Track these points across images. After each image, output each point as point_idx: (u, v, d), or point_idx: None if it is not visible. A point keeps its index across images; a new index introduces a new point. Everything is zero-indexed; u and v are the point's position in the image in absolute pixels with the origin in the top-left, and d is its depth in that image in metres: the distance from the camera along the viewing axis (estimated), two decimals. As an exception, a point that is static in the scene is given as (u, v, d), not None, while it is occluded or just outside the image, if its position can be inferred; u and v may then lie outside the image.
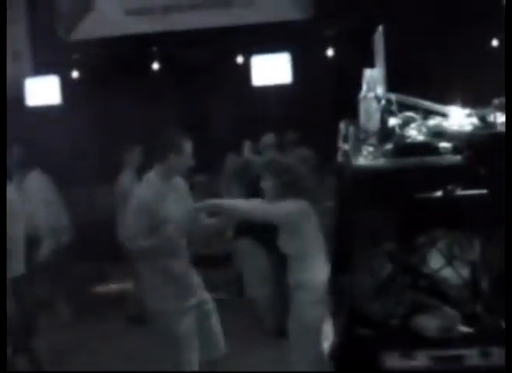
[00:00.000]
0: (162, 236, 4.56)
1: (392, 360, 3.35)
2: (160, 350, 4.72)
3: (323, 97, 10.66)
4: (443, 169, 3.43)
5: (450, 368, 3.35)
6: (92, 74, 10.57)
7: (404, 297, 3.57)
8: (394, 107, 3.68)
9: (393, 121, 3.64)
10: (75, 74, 10.81)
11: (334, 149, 3.95)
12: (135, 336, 6.72)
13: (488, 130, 3.52)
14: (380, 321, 3.50)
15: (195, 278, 4.86)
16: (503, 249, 3.21)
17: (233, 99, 10.65)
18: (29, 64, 10.43)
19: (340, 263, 3.64)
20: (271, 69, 9.95)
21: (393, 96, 3.71)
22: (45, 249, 7.00)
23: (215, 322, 4.86)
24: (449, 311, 3.48)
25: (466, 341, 3.36)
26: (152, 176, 4.76)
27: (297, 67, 9.94)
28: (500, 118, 3.52)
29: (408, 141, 3.55)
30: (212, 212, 4.66)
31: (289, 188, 4.44)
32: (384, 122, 3.60)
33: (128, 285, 7.91)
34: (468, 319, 3.46)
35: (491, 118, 3.56)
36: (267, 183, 4.54)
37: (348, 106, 3.77)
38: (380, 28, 3.77)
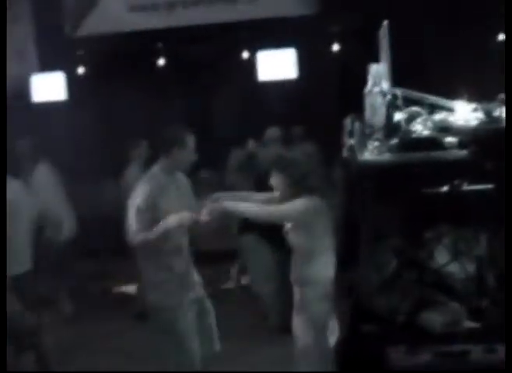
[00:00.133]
0: (161, 225, 4.54)
1: (398, 355, 3.34)
2: (162, 347, 4.73)
3: (328, 92, 10.65)
4: (448, 163, 3.41)
5: (455, 364, 3.34)
6: (97, 70, 10.58)
7: (410, 292, 3.56)
8: (399, 102, 3.66)
9: (398, 116, 3.63)
10: (80, 70, 10.82)
11: (340, 144, 3.94)
12: (137, 333, 6.71)
13: (494, 125, 3.50)
14: (385, 316, 3.49)
15: (195, 275, 4.89)
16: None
17: (238, 94, 10.64)
18: (34, 61, 10.46)
19: (345, 259, 3.63)
20: (277, 65, 9.96)
21: (398, 91, 3.70)
22: (47, 237, 6.94)
23: (211, 319, 4.88)
24: (455, 306, 3.47)
25: (472, 337, 3.36)
26: (155, 170, 4.78)
27: (303, 62, 9.93)
28: (506, 113, 3.51)
29: (414, 135, 3.53)
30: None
31: (299, 183, 4.44)
32: (389, 117, 3.58)
33: (132, 282, 7.92)
34: (474, 314, 3.45)
35: (497, 113, 3.54)
36: (276, 180, 4.53)
37: (354, 101, 3.76)
38: (385, 23, 3.76)
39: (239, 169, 8.14)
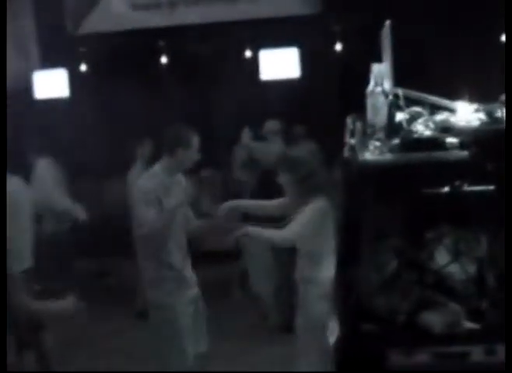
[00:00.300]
0: (165, 211, 4.57)
1: (397, 356, 3.34)
2: (161, 345, 4.72)
3: (330, 92, 10.64)
4: (450, 164, 3.41)
5: (455, 365, 3.34)
6: (99, 67, 10.58)
7: (409, 293, 3.55)
8: (401, 102, 3.66)
9: (400, 116, 3.62)
10: (82, 67, 10.82)
11: (341, 144, 3.94)
12: (137, 332, 6.70)
13: (495, 126, 3.50)
14: (385, 317, 3.49)
15: (193, 274, 4.91)
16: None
17: (240, 93, 10.64)
18: (36, 58, 10.46)
19: (346, 259, 3.63)
20: (280, 63, 9.94)
21: (400, 91, 3.69)
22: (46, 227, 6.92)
23: (203, 319, 4.89)
24: (455, 307, 3.47)
25: (471, 338, 3.35)
26: (156, 168, 4.78)
27: (305, 61, 9.93)
28: (508, 114, 3.51)
29: (415, 136, 3.53)
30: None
31: (305, 181, 4.44)
32: (391, 117, 3.58)
33: (133, 281, 7.90)
34: (474, 315, 3.45)
35: (498, 114, 3.54)
36: (283, 179, 4.54)
37: (356, 101, 3.76)
38: (388, 23, 3.75)
39: (242, 166, 8.13)
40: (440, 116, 3.66)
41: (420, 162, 3.42)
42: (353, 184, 3.62)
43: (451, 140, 3.43)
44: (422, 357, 3.34)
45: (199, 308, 4.90)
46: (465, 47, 9.46)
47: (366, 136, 3.60)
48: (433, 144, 3.44)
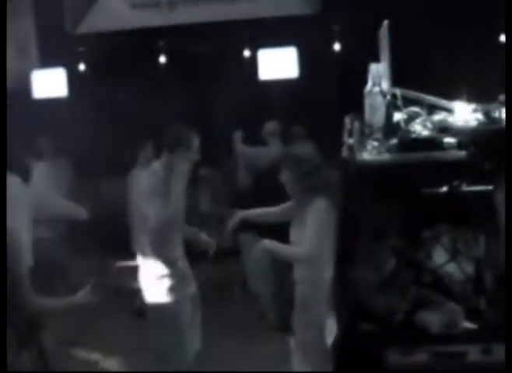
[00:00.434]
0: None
1: (395, 355, 3.34)
2: (162, 343, 4.73)
3: (329, 91, 10.64)
4: (448, 164, 3.42)
5: (452, 364, 3.34)
6: (98, 66, 10.58)
7: (408, 292, 3.56)
8: (399, 102, 3.67)
9: (398, 116, 3.63)
10: (81, 66, 10.81)
11: (339, 144, 3.94)
12: (137, 331, 6.69)
13: (493, 126, 3.50)
14: (383, 316, 3.50)
15: (190, 272, 4.92)
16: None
17: (239, 92, 10.64)
18: (35, 57, 10.45)
19: (344, 258, 3.64)
20: (278, 63, 9.94)
21: (398, 91, 3.70)
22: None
23: (199, 317, 4.91)
24: (453, 306, 3.48)
25: (469, 337, 3.36)
26: (156, 165, 4.80)
27: (304, 61, 9.92)
28: (506, 114, 3.51)
29: (413, 136, 3.54)
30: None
31: (308, 179, 4.44)
32: (388, 117, 3.59)
33: (133, 280, 7.90)
34: (472, 315, 3.45)
35: (496, 114, 3.55)
36: (285, 176, 4.54)
37: (354, 101, 3.76)
38: (386, 23, 3.76)
39: (244, 168, 8.14)
40: (438, 117, 3.66)
41: (418, 162, 3.43)
42: (351, 184, 3.63)
43: (449, 140, 3.43)
44: (420, 357, 3.34)
45: (196, 307, 4.91)
46: (465, 47, 9.46)
47: (364, 136, 3.60)
48: (431, 144, 3.45)
